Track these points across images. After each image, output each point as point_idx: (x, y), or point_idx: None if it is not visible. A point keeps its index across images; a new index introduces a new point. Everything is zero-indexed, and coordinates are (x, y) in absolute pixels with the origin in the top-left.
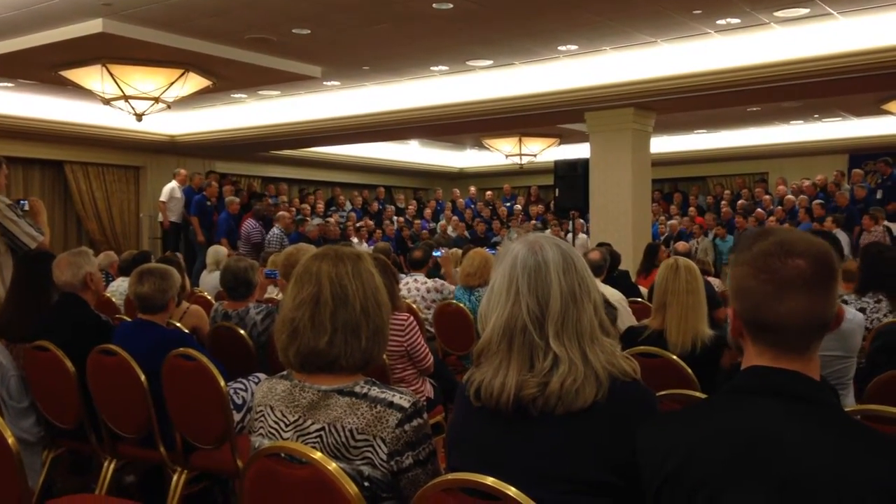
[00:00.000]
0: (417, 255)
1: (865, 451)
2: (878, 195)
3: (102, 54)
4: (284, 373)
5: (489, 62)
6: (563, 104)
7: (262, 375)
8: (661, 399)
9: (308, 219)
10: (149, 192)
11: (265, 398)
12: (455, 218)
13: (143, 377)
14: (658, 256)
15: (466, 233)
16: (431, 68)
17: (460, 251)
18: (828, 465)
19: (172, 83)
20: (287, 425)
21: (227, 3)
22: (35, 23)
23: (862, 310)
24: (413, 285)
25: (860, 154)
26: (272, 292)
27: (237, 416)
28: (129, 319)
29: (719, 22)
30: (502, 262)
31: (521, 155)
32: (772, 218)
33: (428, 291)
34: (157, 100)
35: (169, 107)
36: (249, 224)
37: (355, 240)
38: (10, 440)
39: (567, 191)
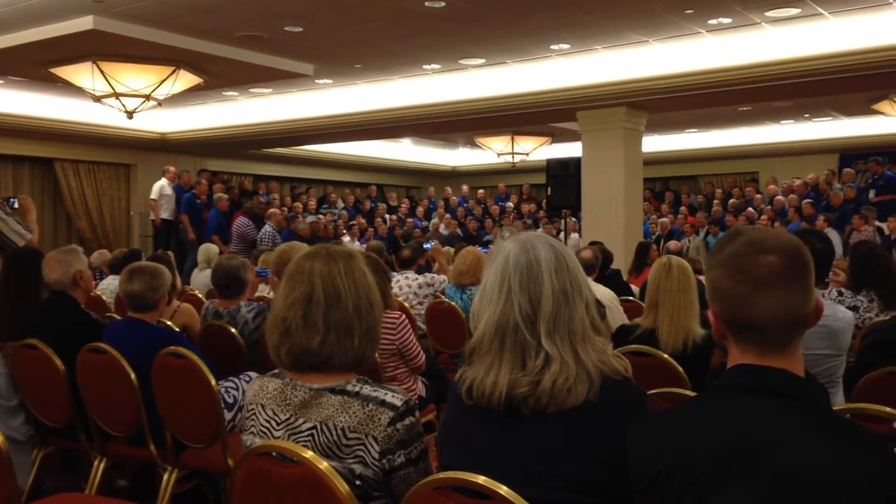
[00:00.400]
0: (406, 253)
1: (854, 449)
2: (871, 195)
3: (93, 51)
4: (276, 371)
5: (481, 61)
6: (556, 103)
7: (253, 374)
8: (651, 397)
9: (299, 216)
10: (139, 190)
11: (256, 397)
12: (447, 216)
13: (133, 375)
14: (649, 255)
15: (458, 231)
16: (424, 67)
17: (453, 249)
18: (816, 463)
19: (163, 81)
20: (278, 424)
21: (218, 0)
22: (25, 19)
23: (855, 308)
24: (404, 283)
25: (851, 154)
26: (263, 290)
27: (228, 415)
28: (119, 318)
29: (711, 22)
30: (495, 260)
31: (513, 153)
32: (763, 217)
33: (420, 287)
34: (147, 97)
35: (160, 104)
36: (242, 222)
37: (347, 238)
38: (0, 439)
39: (559, 189)
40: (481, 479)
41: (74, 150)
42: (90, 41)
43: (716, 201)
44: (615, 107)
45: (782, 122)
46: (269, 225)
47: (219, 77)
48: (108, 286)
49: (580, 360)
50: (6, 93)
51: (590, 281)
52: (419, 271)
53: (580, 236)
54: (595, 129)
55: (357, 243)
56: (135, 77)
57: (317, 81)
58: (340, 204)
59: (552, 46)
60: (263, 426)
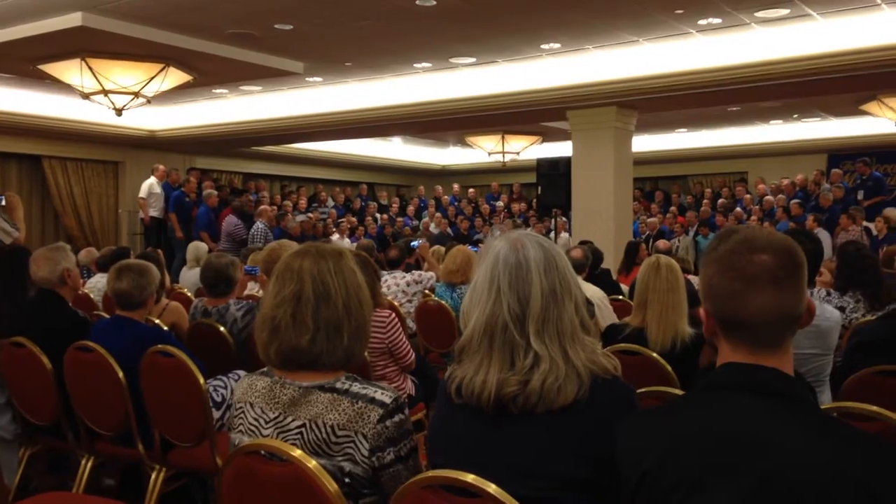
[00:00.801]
0: (393, 254)
1: (842, 448)
2: (859, 195)
3: (82, 48)
4: (265, 369)
5: (472, 60)
6: (546, 102)
7: (241, 373)
8: (640, 396)
9: (289, 214)
10: (128, 187)
11: (245, 395)
12: (438, 215)
13: (121, 374)
14: (639, 254)
15: (449, 230)
16: (414, 65)
17: (443, 248)
18: (805, 462)
19: (152, 78)
20: (267, 422)
21: None
22: (13, 16)
23: (842, 308)
24: (392, 282)
25: (839, 154)
26: (253, 289)
27: (216, 414)
28: (107, 316)
29: (701, 22)
30: (485, 259)
31: (503, 152)
32: (752, 217)
33: (408, 285)
34: (136, 94)
35: (149, 101)
36: (230, 221)
37: (336, 236)
38: None
39: (549, 188)
40: (470, 478)
41: (62, 148)
42: (79, 38)
43: (705, 201)
44: (605, 106)
45: (771, 122)
46: (260, 222)
47: (208, 74)
48: (96, 284)
49: (569, 360)
50: None
51: (579, 280)
52: (407, 269)
53: (570, 235)
54: (585, 128)
55: (347, 241)
56: (124, 74)
57: (307, 79)
58: (330, 202)
59: (543, 46)
60: (252, 424)
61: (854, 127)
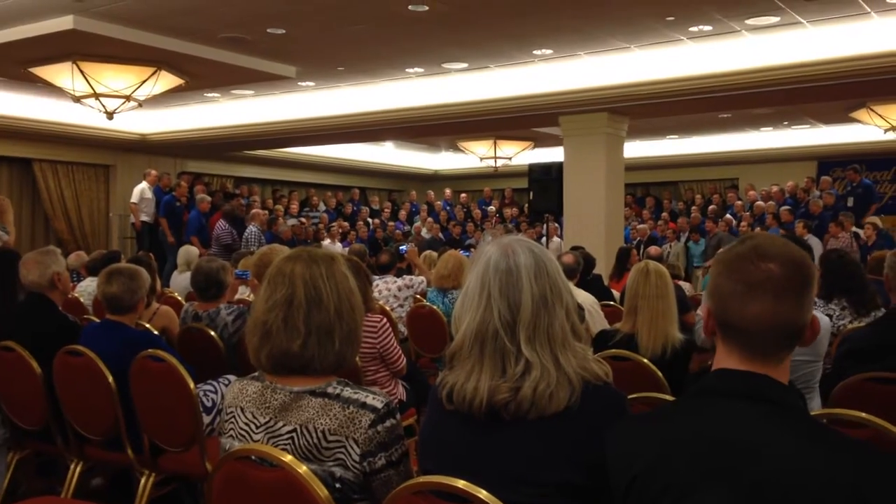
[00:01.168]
0: (385, 259)
1: (831, 454)
2: (849, 202)
3: (73, 51)
4: (255, 374)
5: (464, 65)
6: (538, 108)
7: (232, 377)
8: (631, 402)
9: (280, 218)
10: (119, 191)
11: (236, 399)
12: (430, 219)
13: (110, 379)
14: (630, 260)
15: (441, 234)
16: (407, 70)
17: (436, 253)
18: (795, 468)
19: (144, 81)
20: (258, 427)
21: (200, 1)
22: (4, 18)
23: (829, 316)
24: (383, 286)
25: (828, 161)
26: (243, 293)
27: (207, 419)
28: (97, 320)
29: (692, 29)
30: (476, 264)
31: (495, 158)
32: (743, 223)
33: (399, 290)
34: (128, 98)
35: (140, 105)
36: (220, 226)
37: (327, 241)
38: None
39: (541, 194)
40: (461, 484)
41: (53, 151)
42: (70, 41)
43: (694, 207)
44: (597, 112)
45: (762, 129)
46: (253, 226)
47: (200, 78)
48: (86, 288)
49: (560, 367)
50: None
51: (570, 285)
52: (398, 274)
53: (562, 240)
54: (577, 134)
55: (338, 245)
56: (115, 77)
57: (299, 84)
58: (322, 207)
59: (535, 51)
60: (242, 429)
61: (844, 134)
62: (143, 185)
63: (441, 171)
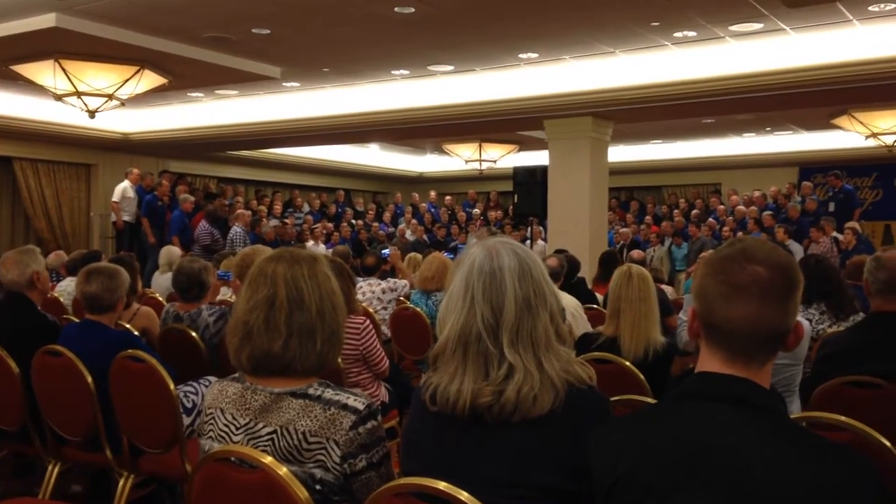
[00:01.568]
0: (370, 261)
1: (811, 458)
2: (831, 207)
3: (55, 49)
4: (236, 375)
5: (450, 67)
6: (523, 111)
7: (213, 379)
8: (613, 404)
9: (264, 219)
10: (100, 190)
11: (216, 401)
12: (414, 221)
13: (89, 379)
14: (616, 264)
15: (425, 236)
16: (392, 72)
17: (420, 255)
18: (775, 472)
19: (127, 80)
20: (238, 428)
21: (184, 0)
22: None
23: (808, 321)
24: (367, 289)
25: (810, 167)
26: (225, 294)
27: (187, 420)
28: (76, 320)
29: (676, 35)
30: (461, 266)
31: (480, 160)
32: (725, 229)
33: (383, 292)
34: (110, 97)
35: (123, 104)
36: (200, 226)
37: (311, 242)
38: None
39: (526, 197)
40: (442, 485)
41: (34, 149)
42: (52, 39)
43: (677, 211)
44: (582, 116)
45: (744, 134)
46: (238, 226)
47: (184, 78)
48: (66, 288)
49: (543, 370)
50: None
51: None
52: (382, 277)
53: (546, 243)
54: (562, 137)
55: (322, 246)
56: (98, 76)
57: (284, 84)
58: (306, 208)
59: (521, 55)
60: (222, 431)
61: (825, 140)
62: (126, 183)
63: (426, 173)
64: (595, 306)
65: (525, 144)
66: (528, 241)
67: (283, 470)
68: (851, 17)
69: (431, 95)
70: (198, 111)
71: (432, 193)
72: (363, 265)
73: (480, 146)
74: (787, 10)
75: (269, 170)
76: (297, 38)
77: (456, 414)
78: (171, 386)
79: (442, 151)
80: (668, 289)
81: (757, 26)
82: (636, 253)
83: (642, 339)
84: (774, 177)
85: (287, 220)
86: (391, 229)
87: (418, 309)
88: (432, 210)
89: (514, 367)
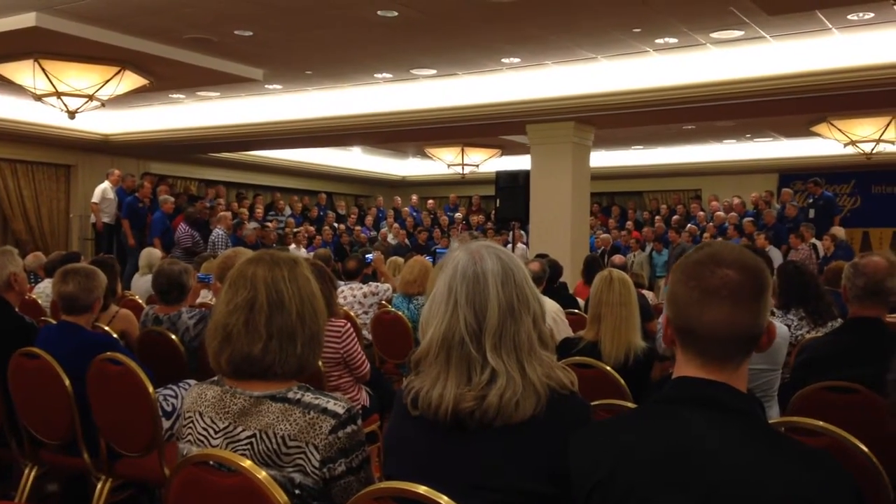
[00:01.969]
0: (351, 265)
1: (788, 462)
2: (810, 214)
3: (35, 49)
4: (215, 378)
5: (433, 71)
6: (506, 116)
7: (193, 382)
8: (594, 409)
9: (245, 222)
10: (80, 192)
11: (194, 404)
12: (396, 225)
13: (67, 382)
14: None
15: (407, 240)
16: (375, 75)
17: (402, 259)
18: (751, 476)
19: (108, 81)
20: (216, 432)
21: (166, 1)
22: None
23: (787, 326)
24: (349, 293)
25: (790, 174)
26: (206, 297)
27: (166, 424)
28: (54, 322)
29: (657, 41)
30: (444, 270)
31: (463, 165)
32: (706, 234)
33: (364, 296)
34: (91, 97)
35: (103, 105)
36: (181, 229)
37: (293, 246)
38: None
39: (508, 201)
40: (422, 490)
41: (12, 150)
42: (32, 38)
43: (658, 217)
44: (564, 121)
45: (725, 141)
46: (219, 229)
47: (165, 79)
48: (44, 290)
49: (526, 375)
50: None
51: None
52: (364, 281)
53: (527, 248)
54: (544, 142)
55: (303, 251)
56: (78, 76)
57: (266, 87)
58: (288, 211)
59: (503, 60)
60: (201, 434)
61: (804, 148)
62: (106, 184)
63: (408, 176)
64: (577, 311)
65: (507, 149)
66: (510, 245)
67: (261, 474)
68: (831, 26)
69: (414, 99)
70: (179, 113)
71: (414, 197)
72: (345, 269)
73: (463, 150)
74: (768, 17)
75: (250, 172)
76: (280, 41)
77: (438, 419)
78: (150, 389)
79: (424, 155)
80: (648, 294)
81: (738, 34)
82: (617, 258)
83: (623, 344)
84: (754, 183)
85: (269, 224)
86: (373, 233)
87: (400, 313)
88: (414, 214)
89: (497, 373)
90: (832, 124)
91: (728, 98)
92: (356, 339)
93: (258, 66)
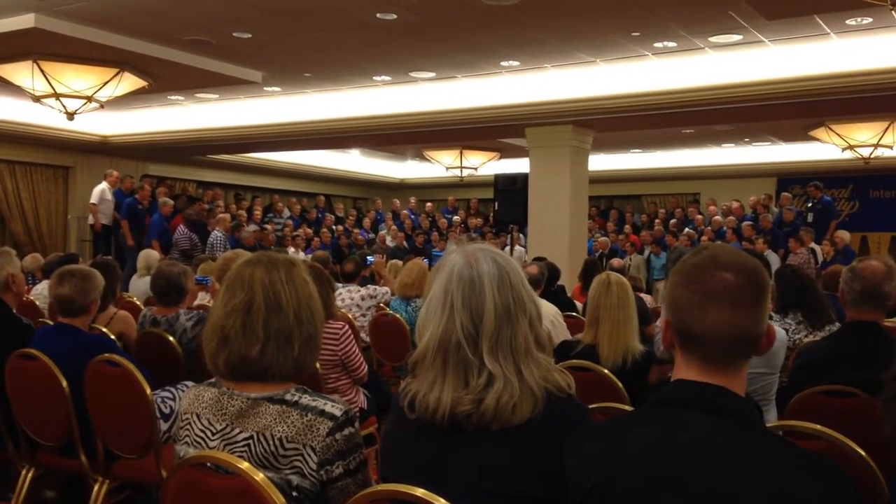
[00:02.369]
0: (349, 267)
1: (787, 466)
2: (809, 218)
3: (34, 50)
4: (212, 380)
5: (432, 74)
6: (504, 119)
7: (190, 384)
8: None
9: (244, 224)
10: (78, 193)
11: (192, 406)
12: (394, 228)
13: (64, 383)
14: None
15: (405, 243)
16: (374, 78)
17: (400, 262)
18: (748, 479)
19: (107, 82)
20: (214, 434)
21: (165, 3)
22: None
23: (785, 330)
24: (346, 295)
25: (788, 178)
26: (203, 299)
27: (164, 426)
28: (52, 323)
29: (656, 45)
30: (440, 273)
31: (461, 167)
32: (704, 238)
33: (363, 299)
34: (89, 99)
35: (102, 106)
36: (179, 230)
37: (292, 249)
38: None
39: (506, 204)
40: (419, 492)
41: (11, 151)
42: (31, 40)
43: (657, 220)
44: (563, 124)
45: (723, 145)
46: (218, 231)
47: (164, 81)
48: (42, 291)
49: (523, 378)
50: None
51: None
52: (362, 283)
53: (526, 251)
54: (543, 145)
55: (302, 254)
56: (77, 78)
57: (265, 89)
58: (286, 213)
59: (502, 63)
60: (198, 436)
61: (803, 152)
62: (104, 185)
63: (407, 179)
64: (575, 314)
65: (506, 152)
66: (508, 248)
67: (259, 476)
68: (829, 31)
69: (413, 102)
70: (178, 114)
71: (412, 200)
72: (343, 271)
73: (461, 153)
74: (766, 22)
75: (249, 174)
76: (279, 43)
77: (435, 422)
78: (147, 391)
79: (423, 158)
80: (646, 297)
81: (736, 38)
82: (615, 261)
83: (621, 347)
84: (753, 187)
85: (268, 226)
86: (371, 235)
87: (398, 315)
88: (413, 216)
89: (494, 376)
90: (830, 129)
91: (726, 102)
92: (354, 342)
93: (257, 69)
